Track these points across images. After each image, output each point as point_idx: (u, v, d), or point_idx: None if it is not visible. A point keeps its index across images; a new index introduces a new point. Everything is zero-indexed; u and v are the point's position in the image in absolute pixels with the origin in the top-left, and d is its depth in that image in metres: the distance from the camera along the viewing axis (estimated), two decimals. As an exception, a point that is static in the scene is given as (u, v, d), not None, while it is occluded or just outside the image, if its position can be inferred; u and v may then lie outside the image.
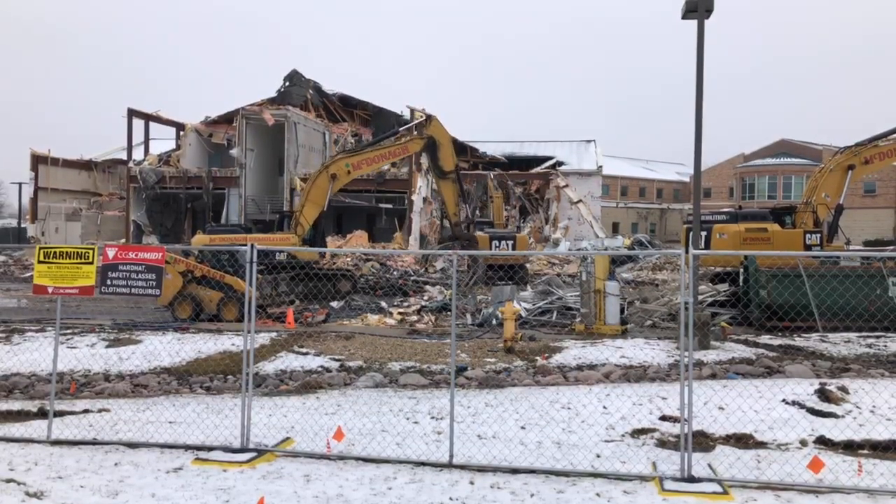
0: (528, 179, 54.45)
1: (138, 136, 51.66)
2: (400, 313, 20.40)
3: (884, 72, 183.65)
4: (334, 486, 6.54)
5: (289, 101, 50.14)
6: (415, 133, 29.80)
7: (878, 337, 15.73)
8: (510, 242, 27.98)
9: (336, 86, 56.64)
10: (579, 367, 12.45)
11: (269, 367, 12.64)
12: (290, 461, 7.30)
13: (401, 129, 33.44)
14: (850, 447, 7.76)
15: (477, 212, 48.02)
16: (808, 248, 20.97)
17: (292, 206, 40.70)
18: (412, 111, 45.83)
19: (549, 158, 60.16)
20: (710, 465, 7.07)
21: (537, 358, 13.30)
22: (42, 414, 9.18)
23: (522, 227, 48.54)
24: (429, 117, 30.14)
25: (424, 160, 35.60)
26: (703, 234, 21.22)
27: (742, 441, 7.97)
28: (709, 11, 15.75)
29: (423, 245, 41.97)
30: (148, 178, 47.71)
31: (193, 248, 13.75)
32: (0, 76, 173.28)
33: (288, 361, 12.99)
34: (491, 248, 27.27)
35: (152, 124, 52.42)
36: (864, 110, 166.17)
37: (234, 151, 46.37)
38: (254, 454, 7.41)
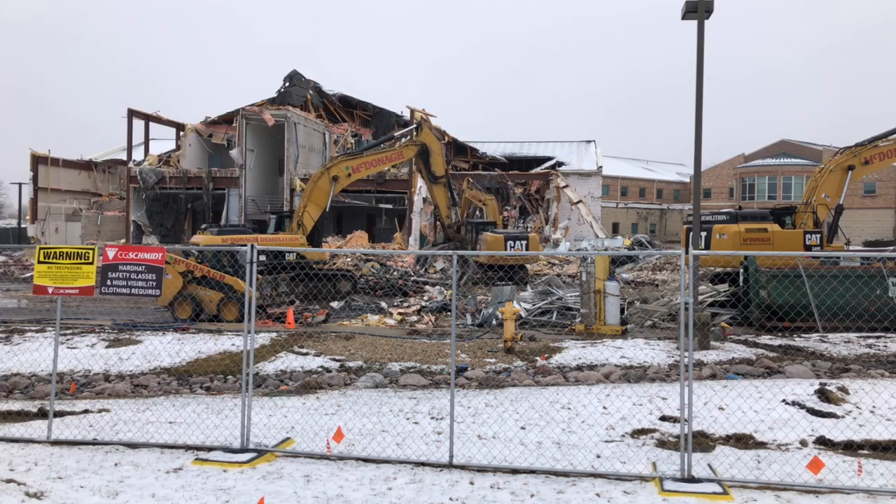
0: (528, 180, 54.46)
1: (138, 136, 51.71)
2: (400, 314, 20.39)
3: (884, 71, 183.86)
4: (334, 486, 6.53)
5: (289, 101, 50.19)
6: (409, 138, 30.18)
7: (878, 337, 15.73)
8: (524, 242, 28.46)
9: (336, 86, 56.76)
10: (579, 368, 12.44)
11: (269, 367, 12.64)
12: (290, 461, 7.30)
13: (396, 133, 33.67)
14: (850, 447, 7.75)
15: (477, 213, 48.04)
16: (808, 248, 20.97)
17: (292, 206, 40.76)
18: (412, 112, 45.90)
19: (550, 159, 60.23)
20: (710, 466, 7.07)
21: (537, 358, 13.30)
22: (42, 414, 9.18)
23: (522, 227, 48.58)
24: (419, 125, 30.35)
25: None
26: (703, 234, 21.23)
27: (742, 441, 7.96)
28: (709, 12, 15.80)
29: (423, 245, 42.01)
30: (148, 179, 47.75)
31: (193, 248, 13.72)
32: (0, 76, 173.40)
33: (288, 362, 12.98)
34: (506, 249, 27.49)
35: (152, 124, 52.46)
36: (864, 110, 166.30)
37: (234, 152, 46.40)
38: (254, 454, 7.40)
